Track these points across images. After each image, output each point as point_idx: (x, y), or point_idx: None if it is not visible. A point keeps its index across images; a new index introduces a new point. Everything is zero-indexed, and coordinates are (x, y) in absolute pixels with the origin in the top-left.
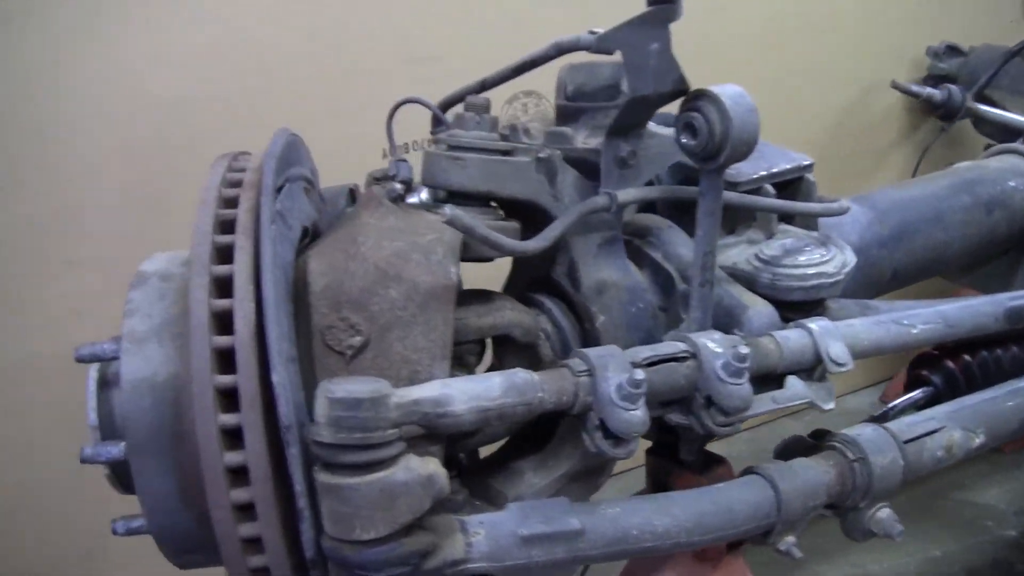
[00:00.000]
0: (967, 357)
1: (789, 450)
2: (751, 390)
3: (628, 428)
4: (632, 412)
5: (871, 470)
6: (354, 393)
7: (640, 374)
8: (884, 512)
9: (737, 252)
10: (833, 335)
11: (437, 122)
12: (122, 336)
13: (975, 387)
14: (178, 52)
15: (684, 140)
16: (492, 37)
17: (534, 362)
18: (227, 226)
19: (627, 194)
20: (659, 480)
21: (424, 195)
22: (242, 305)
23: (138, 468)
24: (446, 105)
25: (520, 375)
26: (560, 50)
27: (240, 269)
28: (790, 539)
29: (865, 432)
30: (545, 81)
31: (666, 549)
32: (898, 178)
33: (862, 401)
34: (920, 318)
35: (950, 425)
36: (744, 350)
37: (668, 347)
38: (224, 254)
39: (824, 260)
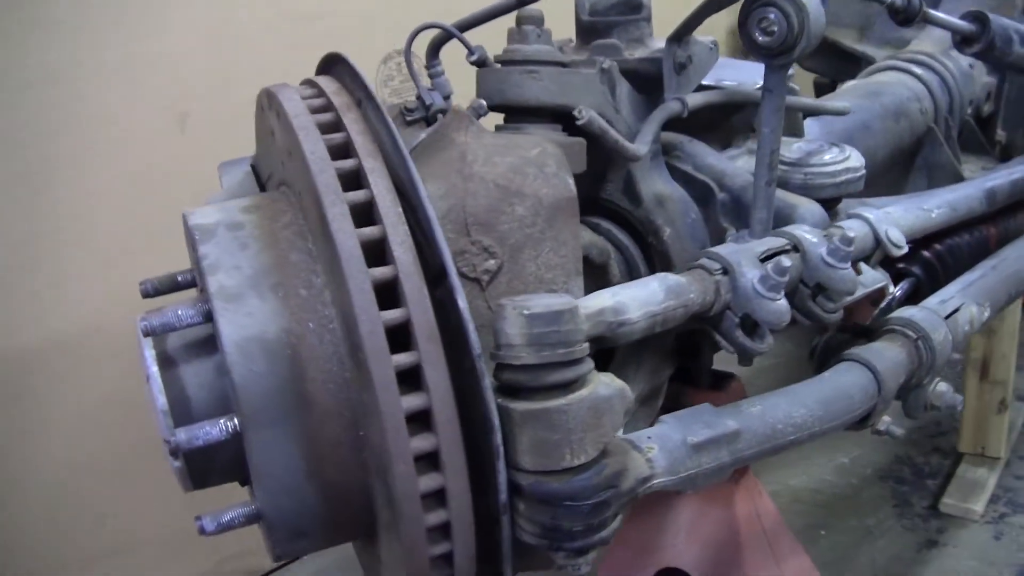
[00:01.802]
0: (937, 246)
1: (830, 349)
2: (855, 274)
3: (778, 318)
4: (778, 302)
5: (932, 346)
6: (552, 306)
7: (786, 261)
8: (942, 386)
9: (744, 162)
10: (886, 221)
11: (429, 55)
12: (210, 295)
13: (949, 271)
14: None
15: (759, 37)
16: None
17: (602, 284)
18: (338, 151)
19: (695, 98)
20: (673, 404)
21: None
22: (396, 230)
23: (256, 442)
24: (462, 28)
25: (671, 278)
26: None
27: (381, 192)
28: (887, 419)
29: (916, 313)
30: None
31: (803, 440)
32: None
33: None
34: (933, 203)
35: (967, 301)
36: (851, 234)
37: (773, 241)
38: (347, 181)
39: (845, 158)
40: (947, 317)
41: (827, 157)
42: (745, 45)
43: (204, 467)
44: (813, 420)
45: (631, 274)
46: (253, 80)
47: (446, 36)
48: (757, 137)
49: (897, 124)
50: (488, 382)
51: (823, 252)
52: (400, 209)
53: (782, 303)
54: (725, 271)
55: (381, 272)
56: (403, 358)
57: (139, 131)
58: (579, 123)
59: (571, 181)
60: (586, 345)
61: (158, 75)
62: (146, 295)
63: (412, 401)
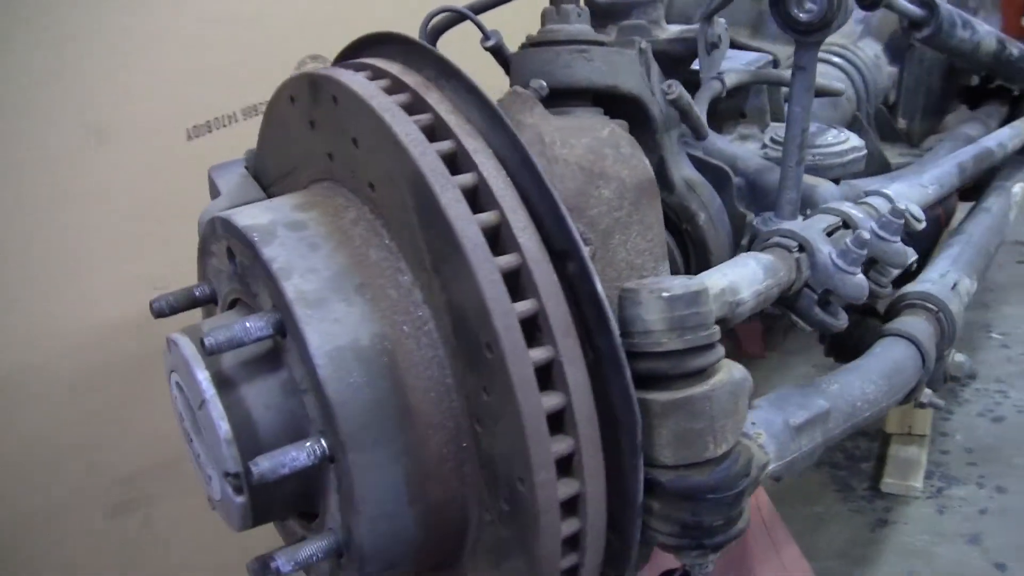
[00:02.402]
0: None
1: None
2: (904, 246)
3: (860, 292)
4: (858, 276)
5: (952, 318)
6: (689, 287)
7: (865, 234)
8: (959, 356)
9: (738, 146)
10: (905, 196)
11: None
12: (288, 302)
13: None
14: None
15: (798, 14)
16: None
17: None
18: (431, 133)
19: (731, 78)
20: None
21: None
22: (516, 214)
23: (356, 465)
24: (476, 11)
25: (763, 257)
26: None
27: (490, 174)
28: (928, 391)
29: (930, 287)
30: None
31: (874, 417)
32: None
33: None
34: (926, 179)
35: (961, 275)
36: (900, 206)
37: (825, 219)
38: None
39: (847, 139)
40: (953, 288)
41: (830, 138)
42: (780, 21)
43: (266, 501)
44: (881, 395)
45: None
46: (171, 91)
47: (450, 22)
48: (786, 116)
49: (835, 112)
50: (629, 374)
51: (875, 226)
52: (515, 191)
53: (861, 277)
54: (802, 248)
55: (506, 261)
56: (539, 354)
57: (53, 146)
58: (670, 98)
59: (647, 161)
60: (718, 327)
61: (72, 87)
62: (160, 314)
63: (549, 401)
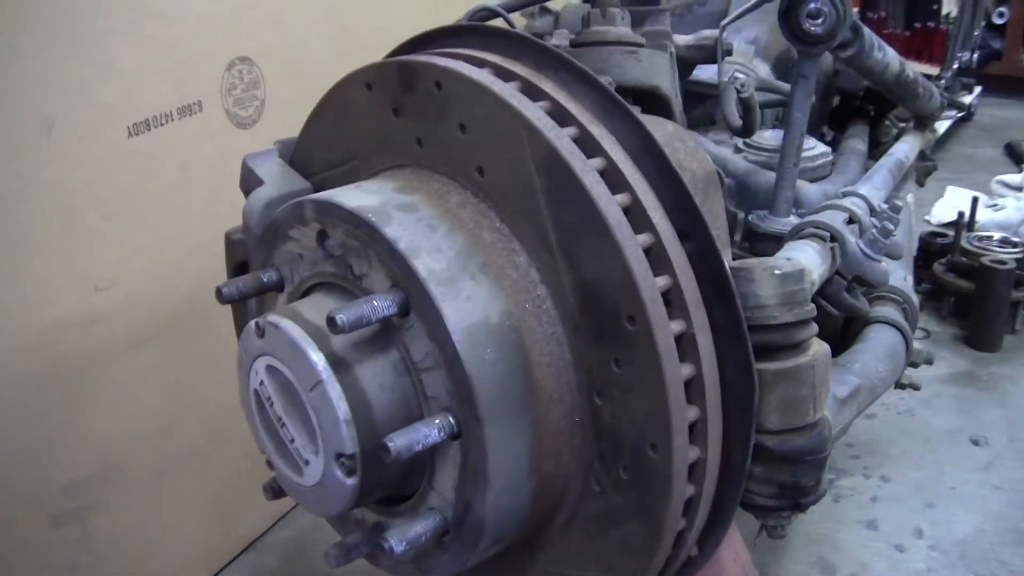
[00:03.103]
0: None
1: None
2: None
3: (885, 277)
4: (883, 263)
5: (914, 307)
6: (796, 265)
7: (891, 224)
8: (917, 344)
9: (724, 150)
10: (875, 197)
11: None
12: (421, 280)
13: None
14: None
15: (808, 26)
16: None
17: None
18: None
19: (749, 84)
20: None
21: None
22: (646, 196)
23: (491, 439)
24: (509, 10)
25: (814, 244)
26: None
27: (620, 158)
28: (906, 372)
29: (893, 280)
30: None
31: (881, 394)
32: None
33: None
34: (878, 181)
35: (905, 271)
36: (899, 202)
37: (838, 213)
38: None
39: (815, 145)
40: (905, 282)
41: (807, 144)
42: (787, 33)
43: (373, 483)
44: (888, 374)
45: None
46: (116, 80)
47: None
48: (785, 120)
49: None
50: (751, 344)
51: (875, 221)
52: (641, 174)
53: (884, 264)
54: (833, 238)
55: (643, 239)
56: (676, 326)
57: (5, 135)
58: (744, 95)
59: (708, 156)
60: (812, 304)
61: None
62: (229, 300)
63: (684, 370)
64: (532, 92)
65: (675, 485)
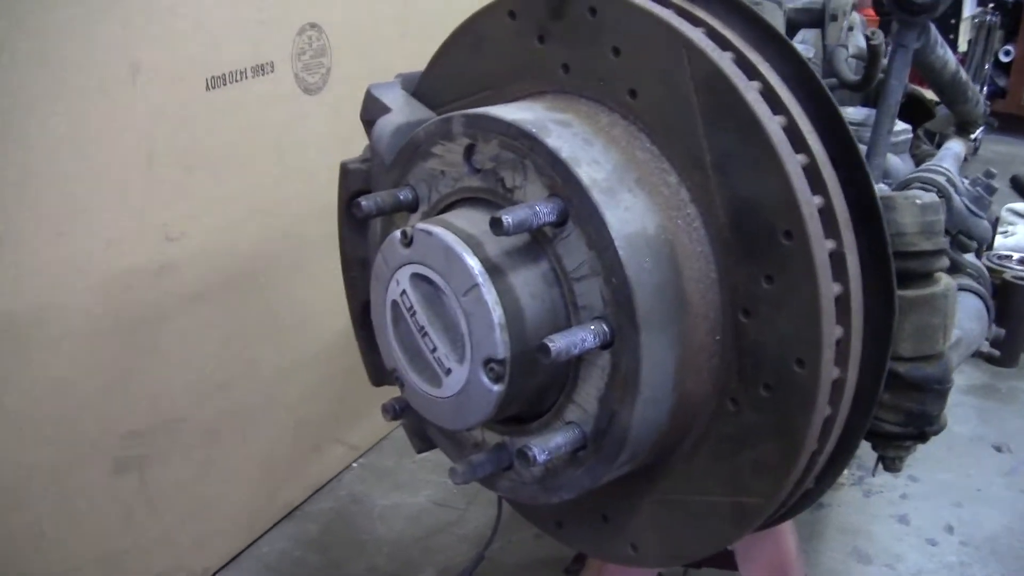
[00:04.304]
0: None
1: None
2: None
3: (988, 233)
4: (985, 220)
5: (988, 284)
6: (935, 197)
7: (995, 182)
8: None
9: None
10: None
11: None
12: (584, 188)
13: None
14: None
15: None
16: None
17: None
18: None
19: (852, 46)
20: None
21: None
22: (802, 120)
23: (646, 347)
24: None
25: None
26: None
27: (776, 83)
28: (985, 342)
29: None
30: None
31: (972, 352)
32: None
33: None
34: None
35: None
36: (993, 169)
37: (939, 175)
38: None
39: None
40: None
41: None
42: (892, 3)
43: (517, 392)
44: (979, 334)
45: None
46: (198, 33)
47: None
48: (882, 87)
49: None
50: (894, 267)
51: (971, 184)
52: (795, 99)
53: (986, 221)
54: (940, 193)
55: (800, 159)
56: (829, 245)
57: (93, 77)
58: (874, 43)
59: None
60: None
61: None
62: (367, 214)
63: (835, 288)
64: (689, 17)
65: (819, 401)
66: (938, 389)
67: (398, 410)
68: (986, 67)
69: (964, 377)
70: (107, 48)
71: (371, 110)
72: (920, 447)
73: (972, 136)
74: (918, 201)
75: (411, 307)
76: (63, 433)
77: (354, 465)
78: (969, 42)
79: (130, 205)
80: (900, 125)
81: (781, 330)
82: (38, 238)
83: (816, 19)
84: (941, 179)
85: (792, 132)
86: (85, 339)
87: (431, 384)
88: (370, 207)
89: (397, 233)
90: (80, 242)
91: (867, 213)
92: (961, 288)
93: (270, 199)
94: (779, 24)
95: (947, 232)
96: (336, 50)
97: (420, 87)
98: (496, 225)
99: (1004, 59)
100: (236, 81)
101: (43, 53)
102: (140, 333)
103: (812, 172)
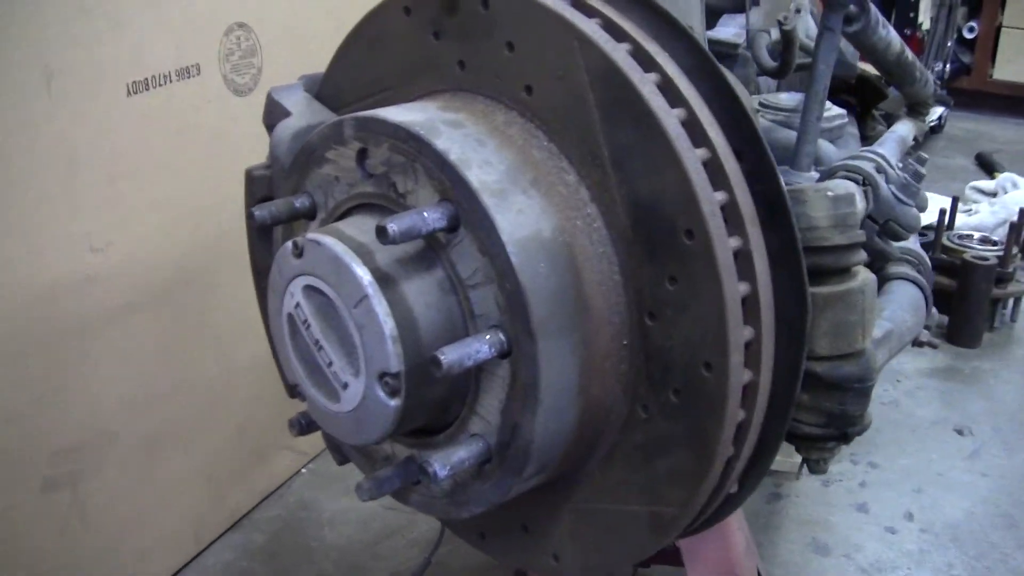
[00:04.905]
0: None
1: None
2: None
3: (917, 222)
4: (914, 208)
5: (930, 273)
6: (848, 188)
7: (922, 169)
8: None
9: None
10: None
11: None
12: (475, 192)
13: None
14: None
15: None
16: None
17: None
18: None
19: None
20: None
21: None
22: (702, 111)
23: (544, 354)
24: None
25: (849, 184)
26: None
27: (675, 74)
28: (925, 332)
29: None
30: None
31: (906, 345)
32: None
33: None
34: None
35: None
36: (924, 154)
37: (865, 163)
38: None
39: (830, 107)
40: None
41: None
42: None
43: (415, 406)
44: (913, 326)
45: None
46: (118, 35)
47: None
48: (811, 73)
49: None
50: (805, 263)
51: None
52: (696, 90)
53: (915, 209)
54: (865, 181)
55: (701, 153)
56: (733, 243)
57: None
58: (786, 27)
59: (746, 90)
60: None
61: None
62: (262, 224)
63: (741, 288)
64: (584, 8)
65: (729, 405)
66: (859, 388)
67: (304, 425)
68: (949, 44)
69: (926, 360)
70: (17, 52)
71: (272, 114)
72: (883, 433)
73: (927, 116)
74: (829, 193)
75: (305, 320)
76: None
77: (303, 471)
78: (932, 19)
79: (50, 214)
80: (835, 110)
81: (687, 333)
82: None
83: (739, 4)
84: (869, 166)
85: (692, 125)
86: (5, 354)
87: (330, 399)
88: (264, 216)
89: (289, 243)
90: None
91: (776, 208)
92: (895, 277)
93: (201, 204)
94: (696, 10)
95: (875, 221)
96: (267, 49)
97: (322, 89)
98: (381, 234)
99: (968, 35)
100: (160, 85)
101: None
102: (67, 347)
103: (714, 167)
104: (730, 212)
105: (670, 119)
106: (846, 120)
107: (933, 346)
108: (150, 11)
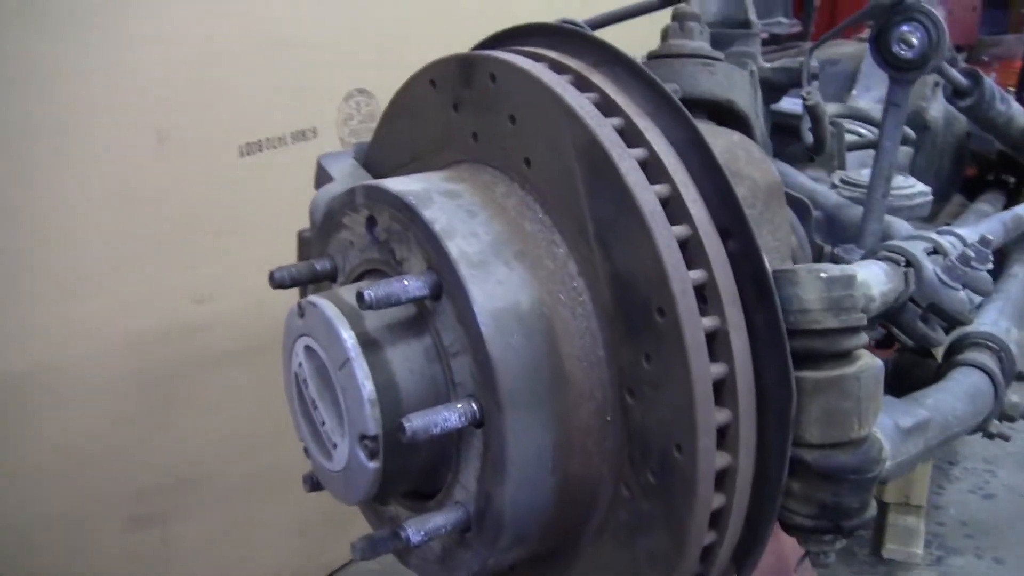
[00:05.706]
0: None
1: (900, 367)
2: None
3: (964, 307)
4: (961, 292)
5: (1012, 358)
6: (846, 271)
7: (970, 251)
8: (1014, 397)
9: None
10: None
11: None
12: (452, 261)
13: None
14: None
15: (900, 51)
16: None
17: None
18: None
19: (831, 108)
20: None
21: None
22: (687, 188)
23: (511, 427)
24: (594, 27)
25: (882, 264)
26: None
27: (662, 149)
28: (996, 423)
29: (988, 328)
30: None
31: (958, 436)
32: None
33: None
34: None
35: (1011, 324)
36: (990, 236)
37: (920, 243)
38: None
39: (912, 184)
40: (1007, 333)
41: (899, 181)
42: (879, 58)
43: (397, 470)
44: (967, 415)
45: None
46: (231, 101)
47: None
48: (877, 149)
49: None
50: (788, 347)
51: (956, 257)
52: (684, 167)
53: (963, 293)
54: (908, 263)
55: (679, 230)
56: (707, 322)
57: (116, 145)
58: (809, 103)
59: (774, 167)
60: (864, 313)
61: (136, 88)
62: (280, 285)
63: (715, 369)
64: (582, 84)
65: (700, 490)
66: (855, 480)
67: (315, 481)
68: None
69: None
70: (127, 116)
71: (320, 180)
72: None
73: None
74: (823, 275)
75: (305, 379)
76: (74, 490)
77: None
78: None
79: (154, 268)
80: (919, 187)
81: (661, 413)
82: (45, 301)
83: (795, 79)
84: (918, 247)
85: (673, 201)
86: (101, 398)
87: (325, 458)
88: (283, 277)
89: (295, 305)
90: (99, 304)
91: (762, 288)
92: (962, 364)
93: None
94: (740, 86)
95: (917, 304)
96: None
97: (369, 156)
98: (359, 300)
99: None
100: (273, 148)
101: (58, 122)
102: (163, 393)
103: (693, 244)
104: (708, 291)
105: (646, 194)
106: (929, 199)
107: (1004, 438)
108: (265, 78)
